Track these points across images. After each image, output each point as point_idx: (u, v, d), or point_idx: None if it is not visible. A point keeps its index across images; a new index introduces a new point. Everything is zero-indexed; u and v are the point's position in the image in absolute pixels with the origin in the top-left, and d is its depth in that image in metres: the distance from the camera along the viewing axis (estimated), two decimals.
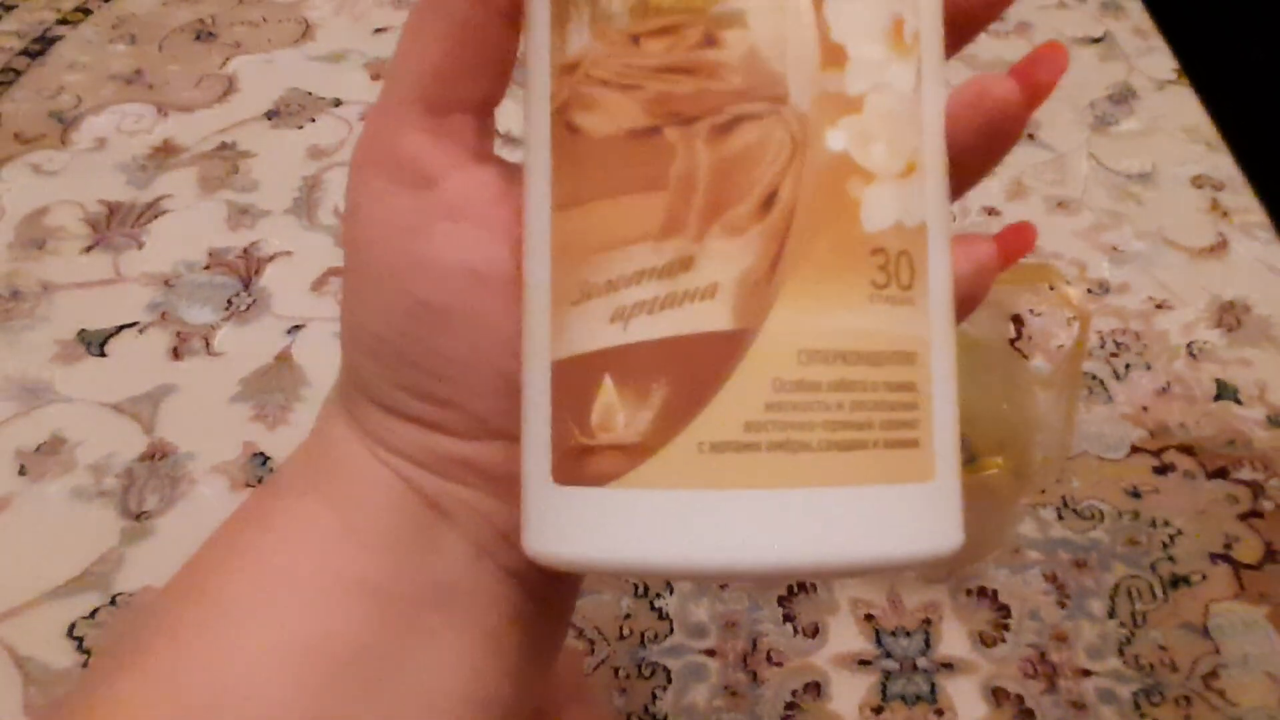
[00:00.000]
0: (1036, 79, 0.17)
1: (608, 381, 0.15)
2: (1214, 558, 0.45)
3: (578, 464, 0.15)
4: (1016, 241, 0.19)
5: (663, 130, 0.15)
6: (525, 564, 0.19)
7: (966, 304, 0.17)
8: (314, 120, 0.64)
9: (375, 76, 0.68)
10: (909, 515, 0.15)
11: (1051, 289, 0.46)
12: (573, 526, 0.15)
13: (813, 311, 0.14)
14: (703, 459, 0.14)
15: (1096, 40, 0.77)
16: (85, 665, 0.38)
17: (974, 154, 0.17)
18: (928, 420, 0.15)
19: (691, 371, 0.14)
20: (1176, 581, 0.44)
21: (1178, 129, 0.69)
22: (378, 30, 0.73)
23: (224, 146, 0.61)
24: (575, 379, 0.15)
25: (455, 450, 0.18)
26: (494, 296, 0.17)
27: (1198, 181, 0.65)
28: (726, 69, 0.14)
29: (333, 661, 0.17)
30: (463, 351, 0.17)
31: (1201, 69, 0.76)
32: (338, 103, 0.66)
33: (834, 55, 0.15)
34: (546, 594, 0.20)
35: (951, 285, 0.16)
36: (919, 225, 0.15)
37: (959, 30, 0.17)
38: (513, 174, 0.18)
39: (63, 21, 0.70)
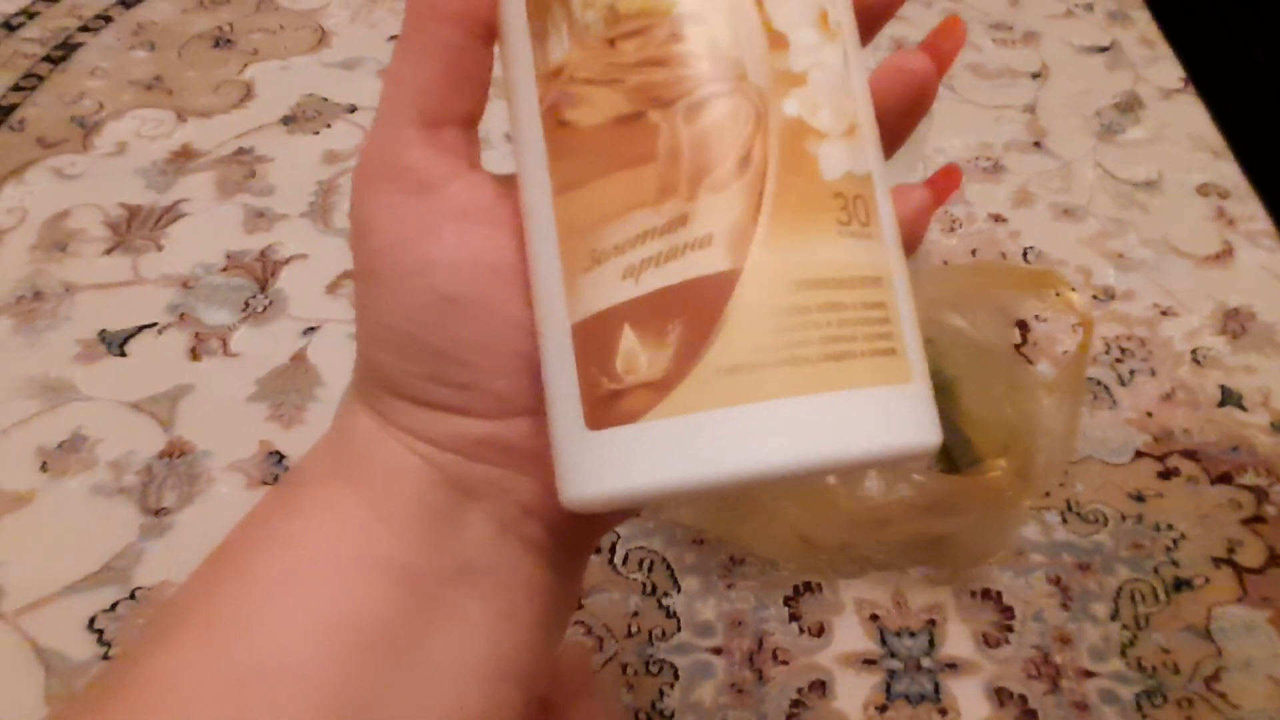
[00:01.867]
0: (941, 50, 0.20)
1: (628, 330, 0.17)
2: (1217, 562, 0.46)
3: (609, 408, 0.17)
4: (945, 183, 0.21)
5: (646, 114, 0.17)
6: (545, 536, 0.20)
7: (910, 243, 0.20)
8: (329, 126, 0.65)
9: None
10: (897, 412, 0.17)
11: (1056, 295, 0.46)
12: (612, 464, 0.17)
13: (794, 249, 0.17)
14: (720, 382, 0.16)
15: (1103, 49, 0.78)
16: (105, 657, 0.39)
17: (897, 116, 0.20)
18: (899, 333, 0.18)
19: (700, 309, 0.16)
20: (1179, 585, 0.45)
21: (1184, 137, 0.70)
22: (392, 37, 0.74)
23: (241, 151, 0.62)
24: (597, 335, 0.17)
25: (479, 431, 0.19)
26: (504, 284, 0.19)
27: (1203, 189, 0.66)
28: (693, 58, 0.17)
29: (362, 636, 0.18)
30: (481, 336, 0.19)
31: (1208, 77, 0.77)
32: (353, 109, 0.67)
33: (778, 40, 0.17)
34: (563, 564, 0.21)
35: (896, 225, 0.19)
36: (866, 174, 0.18)
37: (866, 24, 0.20)
38: (503, 179, 0.20)
39: (84, 29, 0.72)
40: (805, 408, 0.16)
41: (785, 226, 0.17)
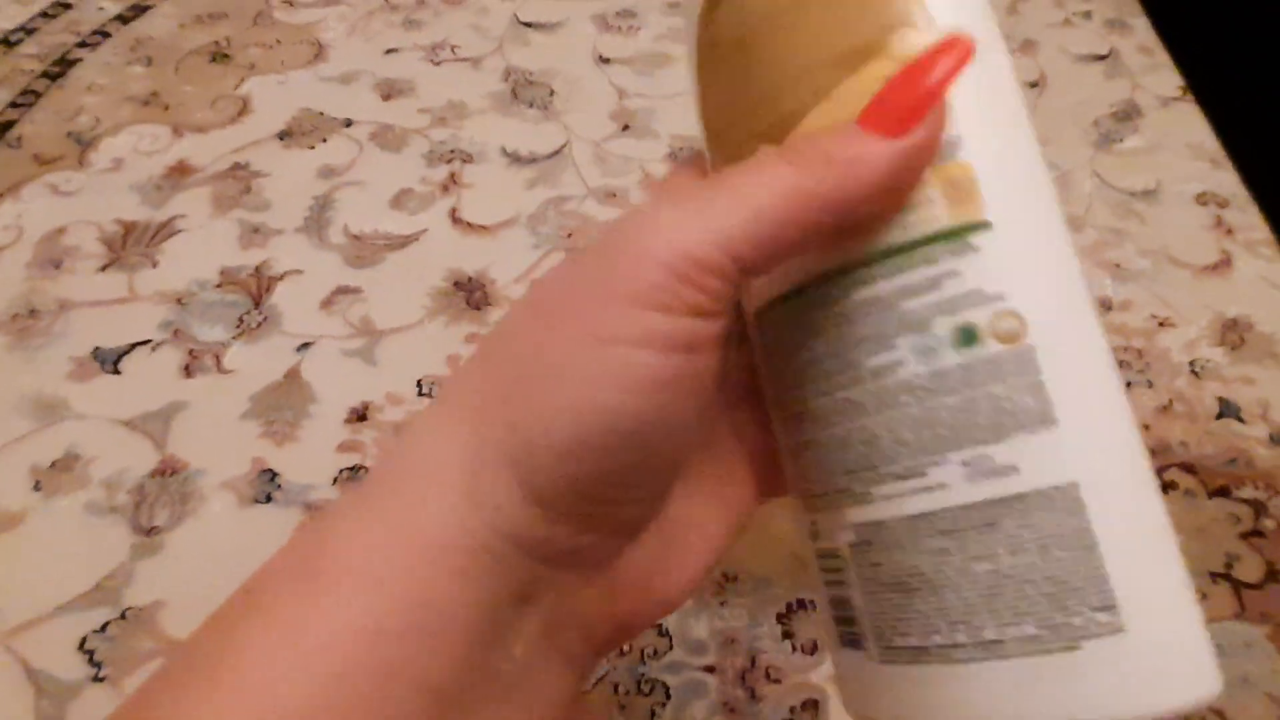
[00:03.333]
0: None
1: None
2: (1214, 577, 0.45)
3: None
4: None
5: None
6: (582, 647, 0.19)
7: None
8: (325, 140, 0.65)
9: (385, 97, 0.70)
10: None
11: None
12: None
13: None
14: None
15: (1102, 57, 0.77)
16: (96, 679, 0.39)
17: None
18: None
19: None
20: None
21: (1182, 146, 0.69)
22: (388, 51, 0.74)
23: (237, 167, 0.62)
24: None
25: (574, 541, 0.18)
26: (694, 434, 0.18)
27: (1202, 199, 0.65)
28: None
29: None
30: (653, 473, 0.18)
31: (1207, 86, 0.76)
32: (349, 123, 0.67)
33: None
34: (588, 670, 0.20)
35: None
36: None
37: None
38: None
39: (82, 44, 0.72)
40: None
41: None
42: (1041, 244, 0.18)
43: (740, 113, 0.20)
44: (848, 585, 0.19)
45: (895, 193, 0.18)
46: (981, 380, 0.17)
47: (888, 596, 0.18)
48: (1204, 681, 0.17)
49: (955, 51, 0.18)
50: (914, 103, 0.17)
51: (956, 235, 0.18)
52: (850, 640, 0.19)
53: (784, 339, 0.19)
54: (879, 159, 0.17)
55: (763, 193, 0.17)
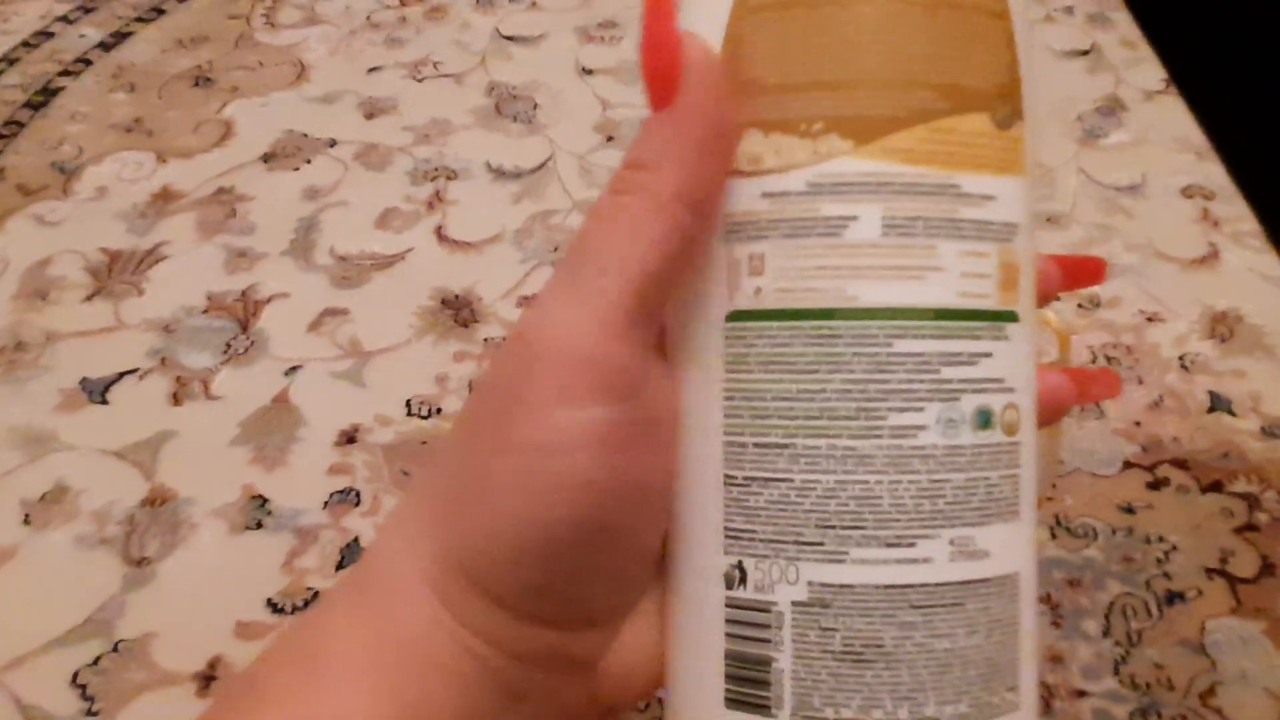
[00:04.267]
0: (1079, 281, 0.21)
1: None
2: (1210, 573, 0.45)
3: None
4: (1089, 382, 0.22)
5: None
6: None
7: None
8: (309, 161, 0.65)
9: (369, 116, 0.70)
10: None
11: None
12: None
13: None
14: None
15: (1084, 53, 0.78)
16: (89, 714, 0.39)
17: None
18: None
19: None
20: (1172, 598, 0.44)
21: (1167, 139, 0.69)
22: (371, 70, 0.74)
23: (222, 191, 0.62)
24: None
25: (553, 640, 0.18)
26: (653, 510, 0.18)
27: (1188, 192, 0.65)
28: None
29: None
30: (614, 564, 0.18)
31: (1190, 78, 0.76)
32: (333, 143, 0.67)
33: None
34: None
35: None
36: None
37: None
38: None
39: (65, 73, 0.72)
40: None
41: None
42: (1034, 346, 0.19)
43: (819, 78, 0.18)
44: (774, 645, 0.17)
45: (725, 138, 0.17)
46: (985, 464, 0.18)
47: (832, 664, 0.17)
48: None
49: None
50: (664, 66, 0.17)
51: (999, 319, 0.18)
52: (749, 702, 0.18)
53: (779, 359, 0.18)
54: (686, 141, 0.17)
55: (638, 253, 0.17)
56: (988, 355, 0.18)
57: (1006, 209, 0.18)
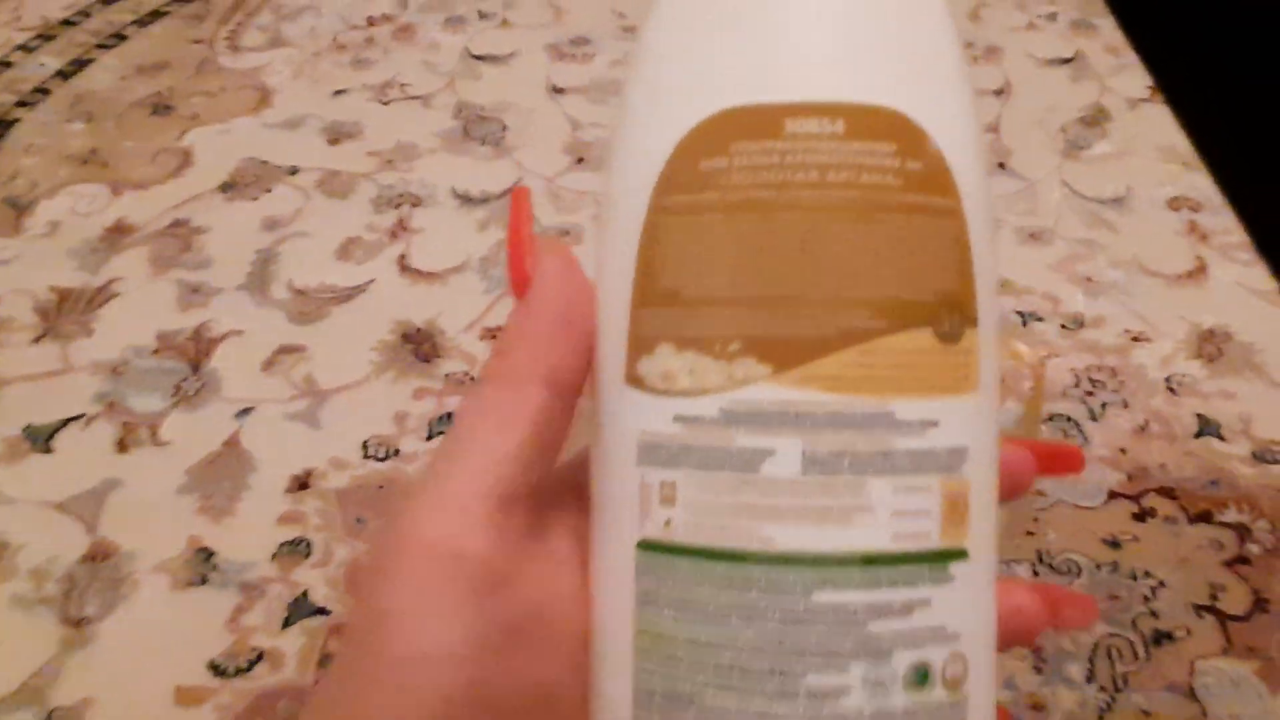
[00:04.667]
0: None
1: None
2: (1199, 609, 0.43)
3: None
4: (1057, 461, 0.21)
5: None
6: None
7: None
8: (269, 190, 0.63)
9: (333, 141, 0.68)
10: None
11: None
12: None
13: None
14: None
15: (1067, 60, 0.76)
16: None
17: None
18: None
19: None
20: (1159, 638, 0.42)
21: (1152, 149, 0.68)
22: (337, 92, 0.73)
23: (177, 223, 0.61)
24: None
25: None
26: (552, 714, 0.17)
27: (1174, 204, 0.63)
28: None
29: None
30: None
31: (1177, 84, 0.74)
32: (294, 170, 0.65)
33: None
34: None
35: None
36: None
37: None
38: (572, 552, 0.17)
39: (21, 104, 0.71)
40: None
41: None
42: (992, 575, 0.17)
43: (738, 293, 0.16)
44: None
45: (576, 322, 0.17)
46: None
47: None
48: None
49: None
50: (518, 261, 0.18)
51: (942, 559, 0.16)
52: None
53: (689, 601, 0.16)
54: (537, 328, 0.17)
55: (497, 439, 0.16)
56: (925, 603, 0.16)
57: (952, 433, 0.16)
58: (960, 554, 0.16)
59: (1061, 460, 0.20)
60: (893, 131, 0.16)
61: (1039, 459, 0.19)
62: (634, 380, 0.17)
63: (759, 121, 0.16)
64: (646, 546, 0.16)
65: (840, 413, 0.15)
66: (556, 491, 0.18)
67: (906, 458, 0.16)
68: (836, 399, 0.15)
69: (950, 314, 0.16)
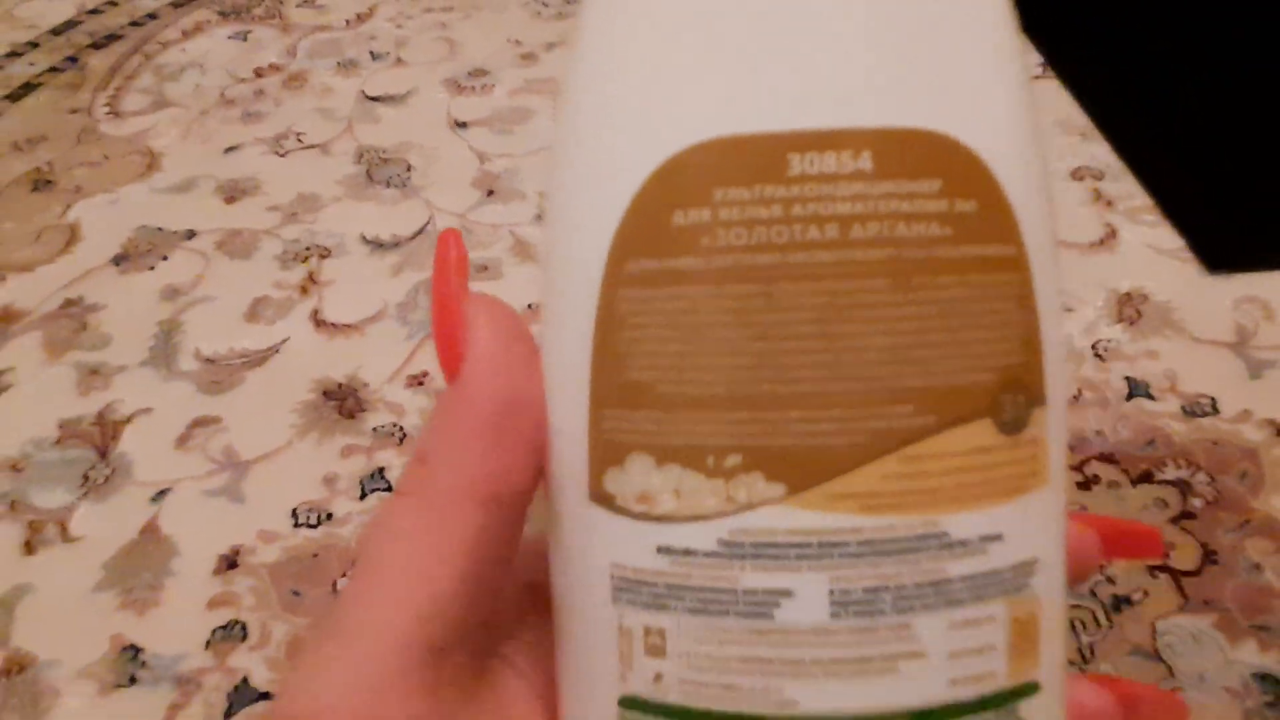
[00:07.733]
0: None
1: None
2: (1152, 570, 0.44)
3: None
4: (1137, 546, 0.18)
5: None
6: None
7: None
8: (166, 258, 0.60)
9: (229, 200, 0.65)
10: None
11: None
12: None
13: None
14: None
15: None
16: None
17: None
18: None
19: None
20: (1118, 604, 0.43)
21: (1050, 123, 0.69)
22: (229, 149, 0.70)
23: (69, 303, 0.57)
24: None
25: None
26: None
27: (1078, 174, 0.65)
28: None
29: None
30: None
31: (1067, 59, 0.76)
32: (191, 234, 0.62)
33: None
34: None
35: None
36: None
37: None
38: (529, 708, 0.15)
39: None
40: None
41: None
42: (1064, 702, 0.14)
43: (735, 390, 0.12)
44: None
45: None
46: None
47: None
48: None
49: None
50: (446, 333, 0.14)
51: (1011, 699, 0.13)
52: None
53: None
54: (469, 426, 0.14)
55: (416, 573, 0.13)
56: None
57: (1019, 546, 0.13)
58: (1032, 689, 0.13)
59: (1135, 543, 0.17)
60: (937, 162, 0.12)
61: (1106, 541, 0.16)
62: (601, 498, 0.13)
63: (753, 157, 0.12)
64: (632, 705, 0.13)
65: (878, 539, 0.12)
66: (506, 613, 0.15)
67: (964, 585, 0.13)
68: (873, 521, 0.12)
69: (1014, 397, 0.13)
